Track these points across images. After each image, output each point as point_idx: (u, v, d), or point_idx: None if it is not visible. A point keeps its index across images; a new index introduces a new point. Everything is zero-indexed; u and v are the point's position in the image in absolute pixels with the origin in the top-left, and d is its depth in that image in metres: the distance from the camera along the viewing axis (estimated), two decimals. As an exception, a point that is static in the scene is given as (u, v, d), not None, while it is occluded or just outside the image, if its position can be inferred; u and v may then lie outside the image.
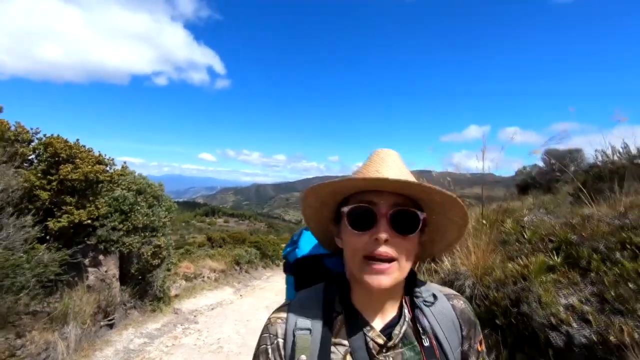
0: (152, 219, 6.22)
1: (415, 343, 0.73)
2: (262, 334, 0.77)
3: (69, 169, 4.23)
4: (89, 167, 4.47)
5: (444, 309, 0.80)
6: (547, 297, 2.68)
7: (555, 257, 3.14)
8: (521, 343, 2.67)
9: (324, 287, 0.80)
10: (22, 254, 3.61)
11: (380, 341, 0.72)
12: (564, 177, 7.48)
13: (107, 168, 5.16)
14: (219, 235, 17.70)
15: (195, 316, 7.15)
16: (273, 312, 0.79)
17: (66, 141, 4.50)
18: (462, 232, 0.80)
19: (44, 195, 4.10)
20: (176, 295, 8.24)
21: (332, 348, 0.71)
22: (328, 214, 0.82)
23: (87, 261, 5.19)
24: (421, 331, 0.74)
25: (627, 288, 2.35)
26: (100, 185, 4.85)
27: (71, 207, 4.37)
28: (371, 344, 0.72)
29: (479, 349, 0.82)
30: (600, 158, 7.03)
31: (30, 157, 4.24)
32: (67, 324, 4.21)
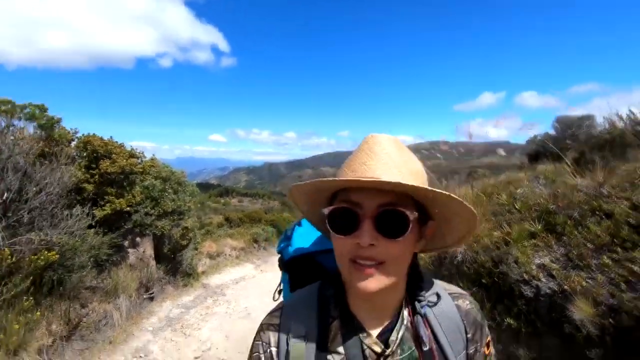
0: (178, 203, 6.86)
1: (414, 348, 0.69)
2: (254, 340, 0.74)
3: (107, 163, 4.83)
4: (124, 160, 5.07)
5: (447, 309, 0.74)
6: (523, 258, 3.18)
7: (537, 225, 3.59)
8: (501, 297, 3.20)
9: (318, 289, 0.76)
10: (77, 239, 4.26)
11: (378, 349, 0.68)
12: (572, 145, 7.68)
13: (139, 160, 5.77)
14: (236, 215, 18.52)
15: (222, 289, 7.92)
16: (265, 317, 0.76)
17: (102, 139, 5.08)
18: (472, 226, 0.71)
19: (89, 187, 4.72)
20: (203, 272, 9.03)
21: (328, 356, 0.68)
22: (319, 208, 0.74)
23: (126, 243, 5.88)
24: (420, 336, 0.69)
25: (586, 248, 2.82)
26: (134, 176, 5.46)
27: (112, 197, 5.00)
28: (368, 351, 0.68)
29: (486, 352, 0.76)
30: (607, 126, 7.25)
31: (73, 154, 4.82)
32: (118, 297, 4.94)
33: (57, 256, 3.60)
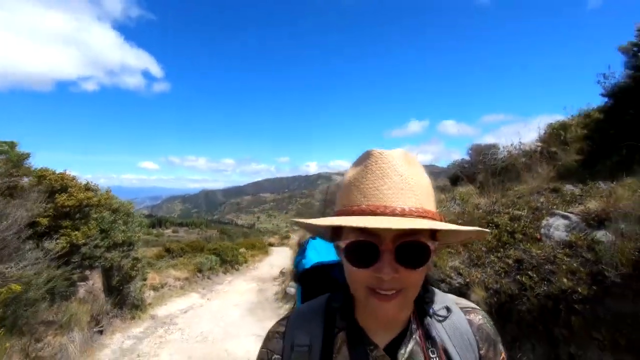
0: (128, 234, 6.91)
1: None
2: (261, 348, 0.74)
3: (64, 197, 4.91)
4: (82, 194, 5.16)
5: (458, 324, 0.71)
6: (440, 263, 4.08)
7: (450, 237, 4.57)
8: (426, 294, 4.05)
9: (326, 300, 0.76)
10: (34, 273, 4.30)
11: None
12: (482, 169, 9.12)
13: (95, 193, 5.83)
14: (177, 245, 17.95)
15: (171, 319, 7.89)
16: (273, 326, 0.76)
17: (58, 173, 5.14)
18: (483, 235, 0.70)
19: (44, 221, 4.75)
20: (149, 304, 8.84)
21: None
22: (327, 230, 0.73)
23: (76, 276, 5.82)
24: (429, 347, 0.67)
25: (481, 251, 3.80)
26: (88, 208, 5.53)
27: (68, 230, 5.04)
28: None
29: None
30: (505, 154, 8.90)
31: (26, 188, 4.81)
32: (71, 330, 4.90)
33: (20, 289, 3.68)
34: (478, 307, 0.78)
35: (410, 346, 0.67)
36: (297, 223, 0.73)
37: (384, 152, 0.64)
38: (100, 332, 6.15)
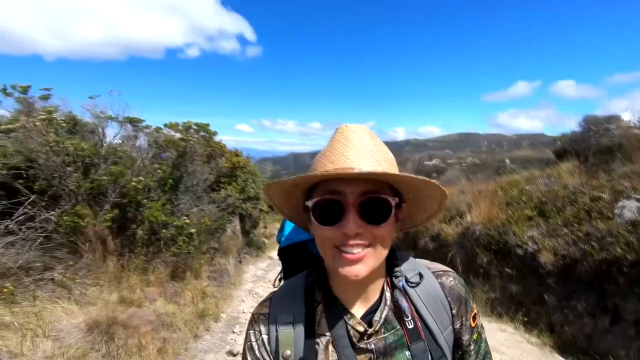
0: (257, 190, 8.85)
1: (399, 327, 0.71)
2: (247, 330, 0.77)
3: (223, 161, 6.79)
4: (234, 158, 7.02)
5: (431, 288, 0.76)
6: (519, 231, 4.85)
7: (532, 211, 5.22)
8: (503, 256, 4.89)
9: (305, 276, 0.79)
10: (208, 212, 6.26)
11: (361, 329, 0.70)
12: (594, 144, 8.69)
13: (240, 158, 7.76)
14: (278, 203, 20.65)
15: (284, 260, 9.93)
16: (256, 308, 0.79)
17: (219, 142, 7.06)
18: (443, 204, 0.74)
19: (211, 177, 6.71)
20: (266, 247, 11.09)
21: (316, 340, 0.70)
22: (297, 202, 0.76)
23: (225, 219, 7.92)
24: (403, 313, 0.71)
25: (558, 225, 4.47)
26: (237, 169, 7.44)
27: (225, 185, 6.98)
28: (352, 332, 0.70)
29: (472, 324, 0.78)
30: (619, 130, 8.46)
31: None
32: (227, 256, 6.96)
33: (209, 222, 5.59)
34: (450, 269, 0.82)
35: (385, 312, 0.70)
36: (268, 189, 0.74)
37: (350, 125, 0.70)
38: (240, 262, 8.31)
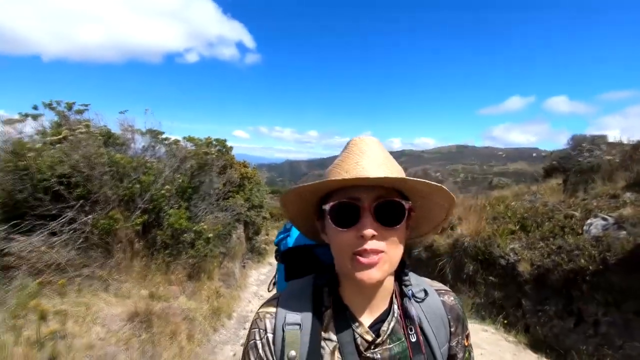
0: (261, 199, 9.36)
1: (403, 338, 0.73)
2: (251, 328, 0.77)
3: (232, 171, 7.32)
4: (242, 169, 7.56)
5: (434, 305, 0.80)
6: (502, 244, 5.41)
7: (515, 226, 5.79)
8: (488, 266, 5.44)
9: (313, 280, 0.80)
10: (220, 219, 6.75)
11: (369, 338, 0.72)
12: (579, 163, 9.16)
13: (249, 169, 8.30)
14: (277, 210, 21.14)
15: (284, 266, 10.42)
16: (262, 307, 0.79)
17: (232, 155, 7.61)
18: (449, 213, 0.78)
19: (221, 186, 7.23)
20: (267, 253, 11.57)
21: (322, 342, 0.71)
22: (311, 210, 0.80)
23: (231, 225, 8.41)
24: (409, 325, 0.74)
25: (535, 238, 5.03)
26: (244, 179, 7.97)
27: (233, 193, 7.50)
28: (359, 340, 0.72)
29: (466, 343, 0.82)
30: (601, 150, 9.06)
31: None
32: (234, 260, 7.45)
33: (221, 229, 6.09)
34: (450, 290, 0.86)
35: (392, 323, 0.73)
36: (287, 195, 0.77)
37: (363, 137, 0.76)
38: (243, 266, 8.78)
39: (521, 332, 4.35)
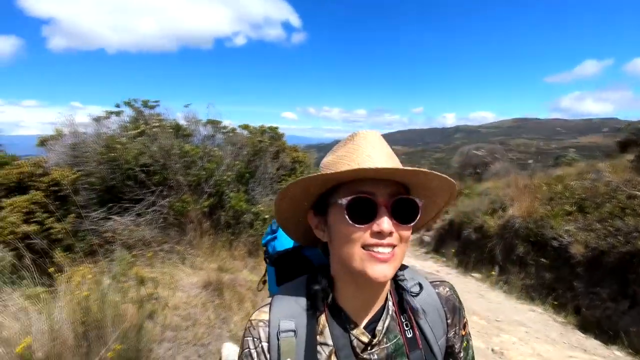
0: (310, 181, 9.84)
1: (399, 335, 0.73)
2: (244, 336, 0.74)
3: (284, 155, 7.80)
4: (294, 153, 8.02)
5: (430, 298, 0.79)
6: (556, 225, 5.30)
7: (572, 207, 5.61)
8: (540, 247, 5.38)
9: (306, 283, 0.77)
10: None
11: (365, 339, 0.71)
12: None
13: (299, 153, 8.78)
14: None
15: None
16: (254, 314, 0.75)
17: (284, 141, 8.10)
18: (449, 203, 0.78)
19: (274, 170, 7.77)
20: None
21: (318, 348, 0.70)
22: (307, 205, 0.76)
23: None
24: (404, 321, 0.74)
25: (594, 219, 4.88)
26: (296, 163, 8.46)
27: (286, 177, 8.02)
28: (355, 342, 0.71)
29: (463, 332, 0.82)
30: None
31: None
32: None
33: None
34: (446, 280, 0.86)
35: (387, 322, 0.72)
36: (295, 185, 0.70)
37: (367, 131, 0.74)
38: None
39: (571, 313, 4.34)
